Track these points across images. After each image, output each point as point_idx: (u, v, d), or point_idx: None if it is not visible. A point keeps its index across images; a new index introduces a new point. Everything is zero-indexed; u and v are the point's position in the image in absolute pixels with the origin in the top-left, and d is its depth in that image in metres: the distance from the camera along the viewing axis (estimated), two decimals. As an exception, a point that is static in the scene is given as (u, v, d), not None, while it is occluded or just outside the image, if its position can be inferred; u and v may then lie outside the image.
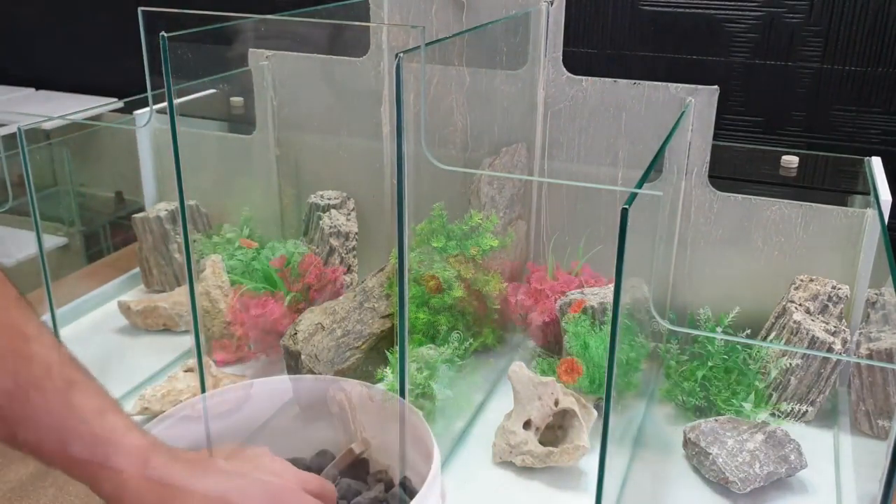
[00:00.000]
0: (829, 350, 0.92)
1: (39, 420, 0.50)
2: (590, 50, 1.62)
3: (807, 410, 0.95)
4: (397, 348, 0.82)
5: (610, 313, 0.76)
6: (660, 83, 1.03)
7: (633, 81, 1.04)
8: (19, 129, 0.82)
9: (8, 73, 2.27)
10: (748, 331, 1.01)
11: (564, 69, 1.08)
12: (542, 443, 0.88)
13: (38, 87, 2.24)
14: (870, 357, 0.90)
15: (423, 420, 0.67)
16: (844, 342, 0.93)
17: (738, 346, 0.95)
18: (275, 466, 0.56)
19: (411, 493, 0.66)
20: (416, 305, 1.00)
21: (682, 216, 1.06)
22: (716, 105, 0.99)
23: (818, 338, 0.92)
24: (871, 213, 0.97)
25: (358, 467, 0.71)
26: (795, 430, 0.93)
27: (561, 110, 1.10)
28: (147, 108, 1.00)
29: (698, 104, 0.99)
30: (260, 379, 0.73)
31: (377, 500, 0.66)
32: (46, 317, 0.93)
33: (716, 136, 1.01)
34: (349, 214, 1.20)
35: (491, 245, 1.03)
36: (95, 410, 0.51)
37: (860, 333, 0.97)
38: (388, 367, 0.94)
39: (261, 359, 1.07)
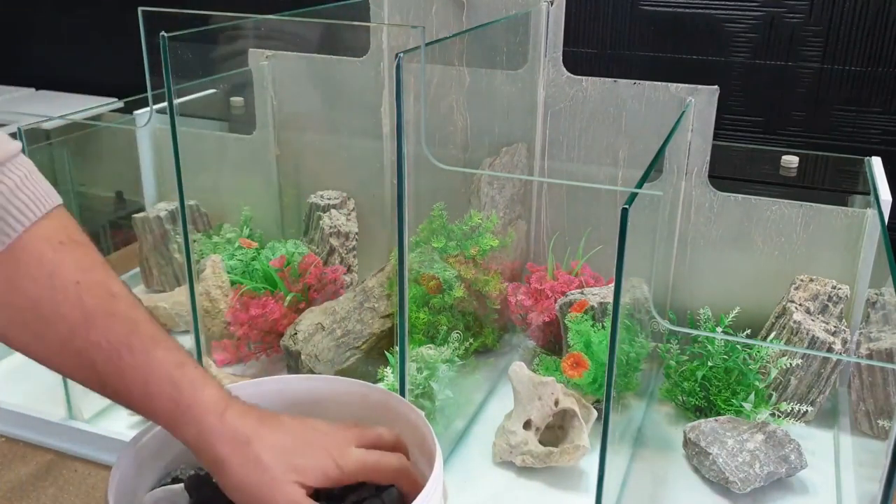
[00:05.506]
0: (829, 350, 0.92)
1: (127, 374, 0.55)
2: (590, 50, 1.62)
3: (807, 410, 0.95)
4: (397, 348, 0.82)
5: (610, 313, 0.76)
6: (660, 83, 1.03)
7: (633, 81, 1.04)
8: (19, 129, 0.81)
9: (8, 73, 2.27)
10: (748, 331, 1.01)
11: (564, 69, 1.08)
12: (542, 443, 0.88)
13: (38, 87, 2.23)
14: (870, 357, 0.90)
15: (424, 420, 0.67)
16: (844, 342, 0.93)
17: (738, 346, 0.95)
18: (334, 425, 0.63)
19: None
20: (417, 305, 1.00)
21: (682, 216, 1.06)
22: (716, 105, 0.99)
23: (818, 338, 0.92)
24: (871, 213, 0.97)
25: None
26: (795, 430, 0.93)
27: (561, 110, 1.10)
28: (147, 108, 1.00)
29: (698, 104, 0.99)
30: (259, 379, 0.73)
31: (377, 499, 0.66)
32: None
33: (716, 136, 1.01)
34: (349, 214, 1.20)
35: (491, 245, 1.03)
36: (176, 364, 0.56)
37: (860, 333, 0.97)
38: (388, 367, 0.94)
39: (261, 359, 1.07)
